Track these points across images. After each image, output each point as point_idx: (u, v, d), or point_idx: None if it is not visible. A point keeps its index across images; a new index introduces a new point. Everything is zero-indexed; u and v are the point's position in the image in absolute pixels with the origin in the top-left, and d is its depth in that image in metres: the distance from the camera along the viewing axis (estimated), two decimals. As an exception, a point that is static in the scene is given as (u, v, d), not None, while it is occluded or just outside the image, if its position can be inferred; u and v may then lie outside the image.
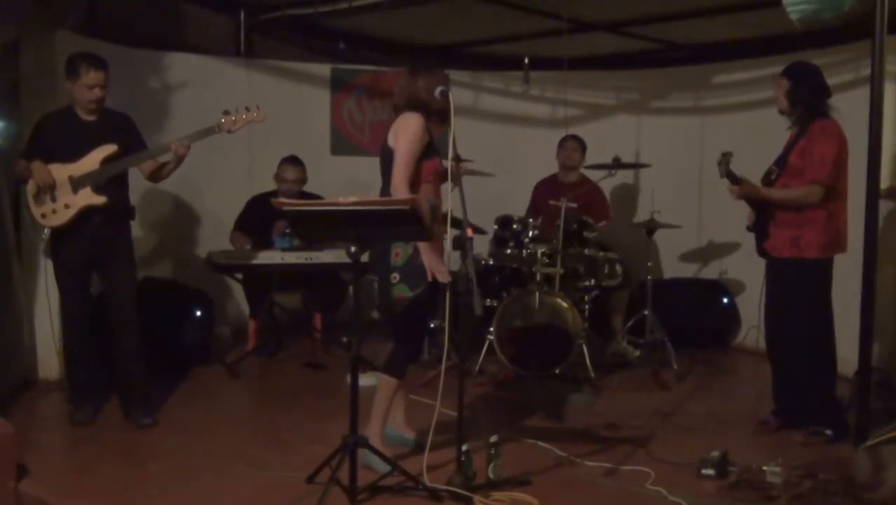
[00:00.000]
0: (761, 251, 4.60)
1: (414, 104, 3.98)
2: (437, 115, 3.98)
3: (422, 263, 3.88)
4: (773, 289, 4.55)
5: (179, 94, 6.50)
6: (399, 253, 3.90)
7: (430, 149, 3.99)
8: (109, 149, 4.54)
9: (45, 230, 4.56)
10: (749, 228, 4.67)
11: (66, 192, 4.47)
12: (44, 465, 3.94)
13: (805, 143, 4.40)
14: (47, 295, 4.92)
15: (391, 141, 3.96)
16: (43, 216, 4.51)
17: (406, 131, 3.91)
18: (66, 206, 4.49)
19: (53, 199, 4.48)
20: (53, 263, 4.66)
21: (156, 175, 4.72)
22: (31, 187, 4.50)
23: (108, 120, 4.62)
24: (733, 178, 4.53)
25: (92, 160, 4.51)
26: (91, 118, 4.56)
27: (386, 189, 3.95)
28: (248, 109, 4.70)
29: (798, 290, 4.42)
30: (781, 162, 4.51)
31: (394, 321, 4.02)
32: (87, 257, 4.58)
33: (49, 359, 5.34)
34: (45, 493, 3.63)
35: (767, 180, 4.54)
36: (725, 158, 4.50)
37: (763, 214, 4.54)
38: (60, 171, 4.47)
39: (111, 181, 4.53)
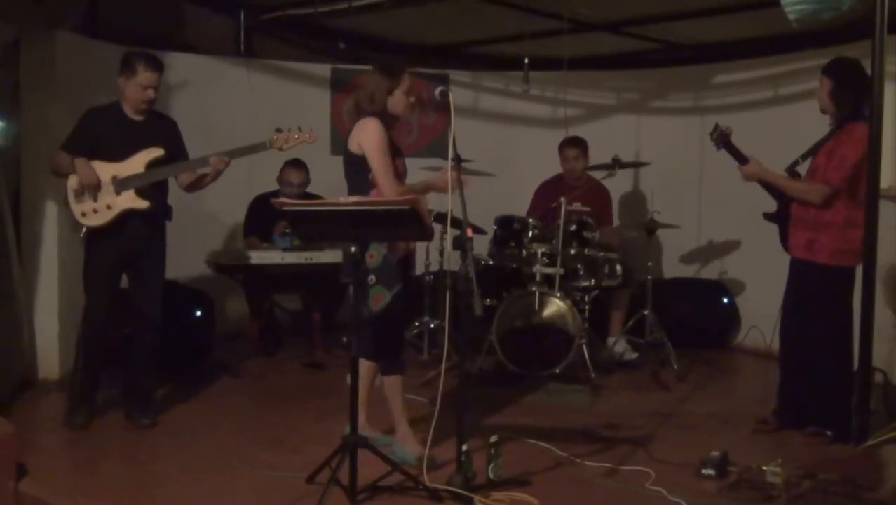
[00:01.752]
0: (784, 244, 4.58)
1: (359, 108, 4.02)
2: (384, 118, 3.97)
3: (395, 262, 3.93)
4: (789, 287, 4.53)
5: (179, 94, 6.50)
6: (374, 255, 3.91)
7: (392, 150, 3.98)
8: (156, 152, 4.49)
9: (83, 229, 4.46)
10: (766, 216, 4.61)
11: (108, 192, 4.41)
12: (44, 465, 3.93)
13: (833, 146, 4.33)
14: (57, 293, 4.87)
15: (353, 147, 3.95)
16: (83, 215, 4.43)
17: (368, 136, 3.90)
18: (108, 207, 4.42)
19: (94, 199, 4.40)
20: (86, 261, 4.55)
21: (193, 186, 4.68)
22: (72, 184, 4.41)
23: (155, 122, 4.59)
24: (740, 157, 4.44)
25: (137, 162, 4.45)
26: (139, 118, 4.52)
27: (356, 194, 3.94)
28: (300, 130, 4.63)
29: (811, 293, 4.40)
30: (809, 156, 4.44)
31: (378, 321, 3.98)
32: (120, 258, 4.53)
33: (49, 359, 5.35)
34: (45, 493, 3.63)
35: (792, 171, 4.49)
36: (718, 130, 4.39)
37: (786, 212, 4.51)
38: (104, 170, 4.41)
39: (153, 184, 4.50)
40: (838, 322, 4.38)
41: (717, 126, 4.45)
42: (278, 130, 4.59)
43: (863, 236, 4.24)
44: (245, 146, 4.59)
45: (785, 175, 4.48)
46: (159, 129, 4.58)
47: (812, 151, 4.45)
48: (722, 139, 4.44)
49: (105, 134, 4.47)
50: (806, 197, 4.33)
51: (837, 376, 4.37)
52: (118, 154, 4.44)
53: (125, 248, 4.50)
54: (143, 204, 4.46)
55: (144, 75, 4.44)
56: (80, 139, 4.48)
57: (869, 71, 4.18)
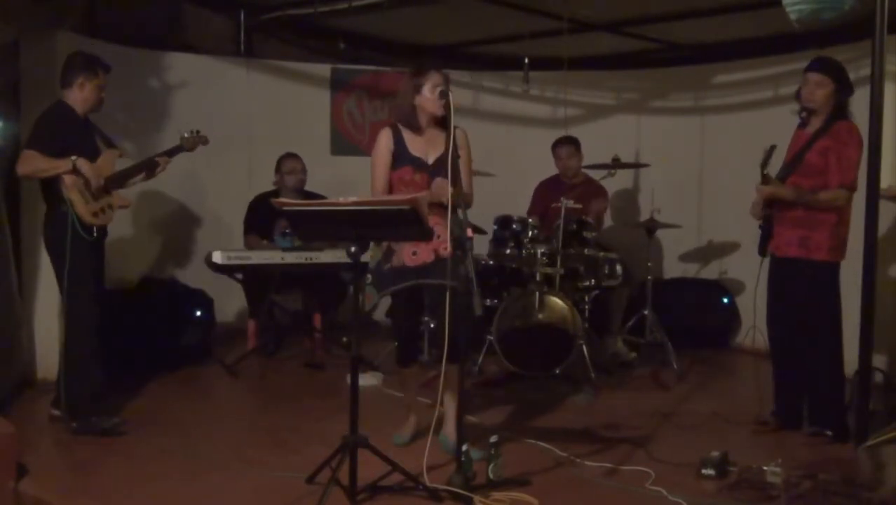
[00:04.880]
0: (762, 250, 4.56)
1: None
2: (405, 123, 4.04)
3: (388, 270, 4.02)
4: (777, 288, 4.50)
5: (179, 94, 6.51)
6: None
7: (400, 158, 4.02)
8: (117, 152, 4.56)
9: (95, 230, 4.42)
10: (760, 227, 4.57)
11: (103, 192, 4.42)
12: (44, 465, 3.94)
13: (829, 143, 4.30)
14: (57, 293, 4.81)
15: None
16: (95, 215, 4.39)
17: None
18: (110, 207, 4.46)
19: (95, 199, 4.39)
20: (74, 267, 4.34)
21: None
22: (77, 184, 4.32)
23: (90, 122, 4.61)
24: (764, 176, 4.40)
25: (109, 162, 4.48)
26: (82, 119, 4.52)
27: None
28: (198, 132, 4.97)
29: (806, 290, 4.38)
30: (797, 160, 4.40)
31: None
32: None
33: (48, 359, 5.33)
34: (44, 493, 3.63)
35: (781, 179, 4.45)
36: (771, 151, 4.32)
37: (770, 214, 4.49)
38: None
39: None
40: (832, 318, 4.38)
41: (772, 147, 4.34)
42: (192, 133, 4.93)
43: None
44: (170, 148, 4.86)
45: (800, 189, 4.38)
46: (94, 128, 4.60)
47: (799, 157, 4.42)
48: (768, 160, 4.36)
49: (72, 135, 4.42)
50: (835, 204, 4.28)
51: (832, 373, 4.38)
52: (88, 155, 4.40)
53: (100, 250, 4.52)
54: (129, 202, 4.57)
55: (104, 78, 4.49)
56: (52, 139, 4.35)
57: (869, 71, 4.17)
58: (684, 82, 7.24)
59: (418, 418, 4.32)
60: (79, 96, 4.46)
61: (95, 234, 4.41)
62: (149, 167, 4.70)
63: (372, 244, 3.97)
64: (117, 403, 4.73)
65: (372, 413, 4.20)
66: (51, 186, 4.38)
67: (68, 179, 4.33)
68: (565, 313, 5.42)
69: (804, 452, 4.22)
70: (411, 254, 3.99)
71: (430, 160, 4.02)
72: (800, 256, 4.38)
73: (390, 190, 4.03)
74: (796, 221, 4.38)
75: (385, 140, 4.04)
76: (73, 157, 4.31)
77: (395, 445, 4.14)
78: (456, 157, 3.91)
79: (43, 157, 4.31)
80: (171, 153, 4.80)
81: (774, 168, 4.49)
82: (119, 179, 4.54)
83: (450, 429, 4.09)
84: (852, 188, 4.29)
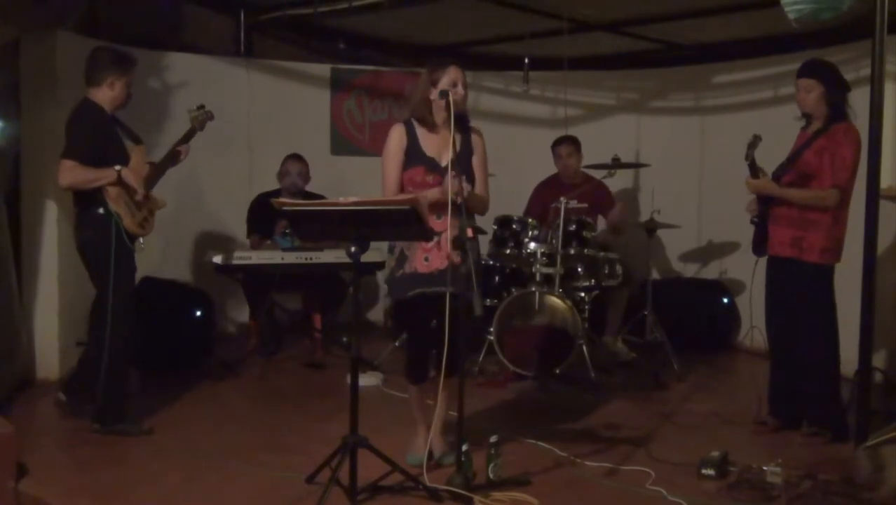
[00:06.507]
0: (756, 248, 4.56)
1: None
2: (420, 119, 3.93)
3: (401, 276, 3.88)
4: (773, 288, 4.51)
5: (179, 94, 6.50)
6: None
7: (412, 157, 3.87)
8: (144, 148, 4.50)
9: (141, 241, 4.39)
10: (753, 221, 4.59)
11: (143, 197, 4.36)
12: (43, 465, 3.94)
13: (825, 143, 4.31)
14: (57, 294, 4.81)
15: None
16: (140, 226, 4.36)
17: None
18: (151, 213, 4.41)
19: (138, 207, 4.33)
20: (120, 277, 4.30)
21: None
22: (120, 195, 4.26)
23: (115, 118, 4.50)
24: (754, 170, 4.42)
25: (140, 163, 4.38)
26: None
27: None
28: (203, 107, 4.72)
29: (798, 291, 4.39)
30: (794, 158, 4.41)
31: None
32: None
33: (48, 359, 5.35)
34: (44, 493, 3.63)
35: (777, 177, 4.47)
36: (754, 141, 4.34)
37: (766, 214, 4.49)
38: None
39: None
40: (825, 319, 4.38)
41: (754, 136, 4.35)
42: (200, 107, 4.69)
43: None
44: (185, 133, 4.64)
45: (787, 188, 4.41)
46: (120, 125, 4.50)
47: (797, 155, 4.42)
48: (752, 150, 4.37)
49: (104, 137, 4.32)
50: (821, 203, 4.28)
51: (827, 374, 4.38)
52: (121, 157, 4.33)
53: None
54: (164, 203, 4.53)
55: (132, 74, 4.41)
56: (89, 147, 4.23)
57: (869, 71, 4.17)
58: (684, 82, 7.24)
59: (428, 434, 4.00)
60: (108, 95, 4.33)
61: (142, 244, 4.40)
62: (172, 159, 4.57)
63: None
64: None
65: (372, 413, 4.21)
66: (88, 189, 4.27)
67: (112, 191, 4.24)
68: (565, 313, 5.42)
69: (804, 452, 4.22)
70: (423, 260, 3.85)
71: (444, 161, 3.84)
72: (792, 257, 4.38)
73: (401, 190, 3.86)
74: (790, 221, 4.39)
75: (397, 137, 3.88)
76: (118, 168, 4.22)
77: (410, 465, 3.84)
78: (469, 154, 3.91)
79: (84, 168, 4.20)
80: (187, 138, 4.62)
81: (771, 164, 4.50)
82: (152, 180, 4.44)
83: (435, 439, 3.95)
84: (844, 189, 4.28)
